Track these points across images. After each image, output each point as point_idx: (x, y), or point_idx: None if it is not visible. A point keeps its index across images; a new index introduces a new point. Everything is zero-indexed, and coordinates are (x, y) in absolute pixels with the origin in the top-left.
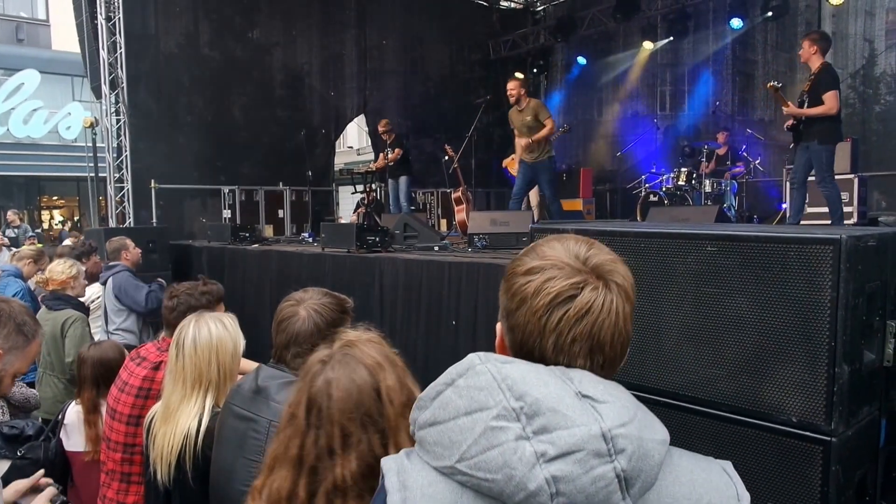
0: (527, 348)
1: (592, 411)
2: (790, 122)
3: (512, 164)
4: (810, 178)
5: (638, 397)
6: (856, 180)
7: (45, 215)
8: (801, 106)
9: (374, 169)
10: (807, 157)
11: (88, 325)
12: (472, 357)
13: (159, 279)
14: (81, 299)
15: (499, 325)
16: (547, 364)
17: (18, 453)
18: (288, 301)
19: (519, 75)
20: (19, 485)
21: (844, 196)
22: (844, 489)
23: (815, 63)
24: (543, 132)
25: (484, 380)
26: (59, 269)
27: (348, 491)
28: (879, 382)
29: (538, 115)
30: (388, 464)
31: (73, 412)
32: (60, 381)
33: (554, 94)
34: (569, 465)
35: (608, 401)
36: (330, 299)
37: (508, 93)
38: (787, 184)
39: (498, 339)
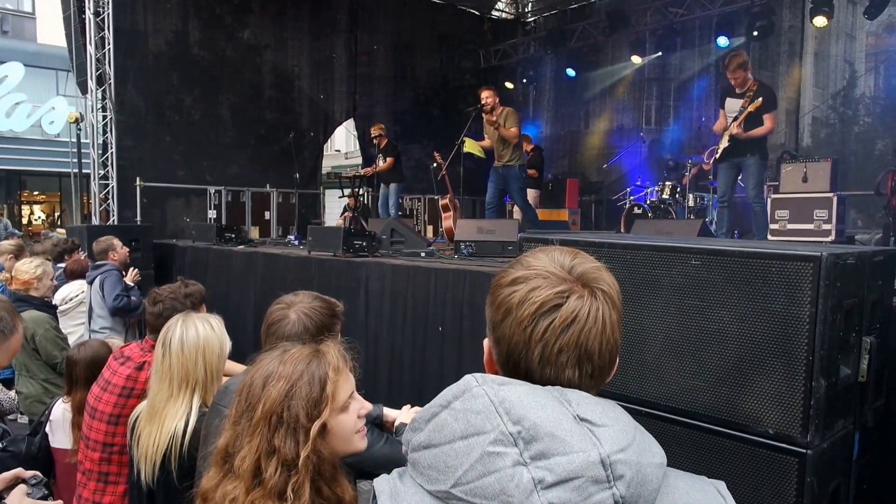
0: (513, 360)
1: (591, 436)
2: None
3: (473, 146)
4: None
5: None
6: (835, 199)
7: (26, 210)
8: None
9: (362, 174)
10: (736, 174)
11: (56, 321)
12: (469, 378)
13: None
14: (51, 298)
15: (486, 341)
16: (534, 376)
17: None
18: (278, 304)
19: (509, 85)
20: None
21: (823, 214)
22: (818, 500)
23: (750, 81)
24: (503, 131)
25: (481, 403)
26: (25, 268)
27: (242, 477)
28: (854, 397)
29: (505, 123)
30: (381, 486)
31: (59, 409)
32: (34, 381)
33: (542, 104)
34: (567, 492)
35: (607, 424)
36: (320, 303)
37: (483, 101)
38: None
39: (486, 356)
